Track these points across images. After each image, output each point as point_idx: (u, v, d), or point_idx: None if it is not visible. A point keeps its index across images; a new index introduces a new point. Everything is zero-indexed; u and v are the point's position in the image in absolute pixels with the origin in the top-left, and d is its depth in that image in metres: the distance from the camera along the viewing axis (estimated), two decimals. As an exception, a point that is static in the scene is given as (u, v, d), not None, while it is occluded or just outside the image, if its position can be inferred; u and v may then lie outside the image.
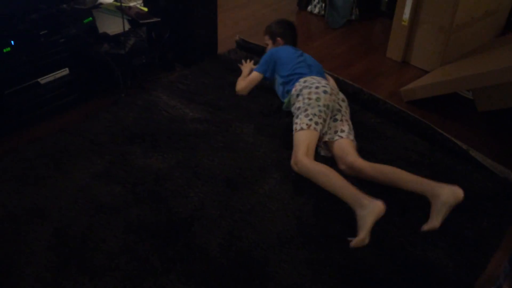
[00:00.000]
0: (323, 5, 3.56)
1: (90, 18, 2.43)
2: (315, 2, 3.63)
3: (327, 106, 2.16)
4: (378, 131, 2.37)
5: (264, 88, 2.66)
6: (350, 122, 2.23)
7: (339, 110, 2.22)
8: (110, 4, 2.63)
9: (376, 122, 2.43)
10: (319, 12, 3.63)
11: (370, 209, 1.70)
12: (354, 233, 1.77)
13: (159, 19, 2.60)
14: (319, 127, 2.10)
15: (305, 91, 2.21)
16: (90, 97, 2.53)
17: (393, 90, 2.78)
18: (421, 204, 1.92)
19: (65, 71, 2.33)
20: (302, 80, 2.30)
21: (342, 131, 2.15)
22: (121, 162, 2.07)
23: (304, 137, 2.07)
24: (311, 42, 3.33)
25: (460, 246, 1.76)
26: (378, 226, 1.82)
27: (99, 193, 1.90)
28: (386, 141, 2.29)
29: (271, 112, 2.46)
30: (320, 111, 2.13)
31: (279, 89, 2.49)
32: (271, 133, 2.31)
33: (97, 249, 1.67)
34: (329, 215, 1.87)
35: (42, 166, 2.03)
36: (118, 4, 2.59)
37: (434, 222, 1.71)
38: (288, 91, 2.36)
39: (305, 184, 2.01)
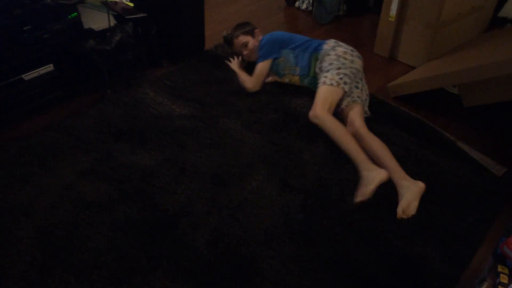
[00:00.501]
0: (311, 1, 3.56)
1: (75, 14, 2.39)
2: (302, -2, 3.63)
3: (357, 70, 2.32)
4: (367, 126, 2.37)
5: (251, 84, 2.65)
6: (368, 92, 2.41)
7: (361, 79, 2.37)
8: (95, -1, 2.60)
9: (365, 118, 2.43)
10: (306, 8, 3.62)
11: (376, 174, 1.92)
12: (343, 228, 1.78)
13: (146, 15, 2.58)
14: (347, 87, 2.24)
15: (340, 49, 2.36)
16: (75, 94, 2.50)
17: (380, 86, 2.78)
18: (407, 199, 1.93)
19: (49, 67, 2.29)
20: (332, 40, 2.46)
21: (359, 97, 2.30)
22: (107, 159, 2.05)
23: (329, 93, 2.21)
24: (299, 38, 3.33)
25: (446, 240, 1.77)
26: (366, 221, 1.83)
27: (85, 191, 1.88)
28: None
29: (259, 109, 2.46)
30: (351, 73, 2.27)
31: (300, 58, 2.48)
32: (258, 129, 2.30)
33: (83, 247, 1.65)
34: (317, 211, 1.87)
35: (27, 163, 2.00)
36: (104, -1, 2.56)
37: (402, 203, 1.87)
38: (318, 50, 2.43)
39: (292, 179, 2.01)
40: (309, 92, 2.57)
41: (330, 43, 2.45)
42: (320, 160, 2.14)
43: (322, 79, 2.28)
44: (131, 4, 2.70)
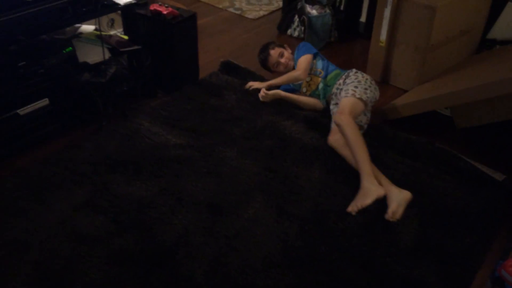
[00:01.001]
0: (302, 28, 3.62)
1: (70, 48, 2.43)
2: (294, 26, 3.68)
3: (374, 99, 2.51)
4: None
5: (246, 110, 2.67)
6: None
7: (369, 111, 2.55)
8: (90, 33, 2.64)
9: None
10: (298, 35, 3.68)
11: (375, 189, 2.00)
12: (341, 255, 1.77)
13: (140, 47, 2.62)
14: (367, 103, 2.43)
15: (366, 75, 2.56)
16: (71, 127, 2.51)
17: (373, 110, 2.80)
18: (406, 222, 1.94)
19: (45, 102, 2.32)
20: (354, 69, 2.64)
21: (363, 123, 2.48)
22: (103, 191, 2.05)
23: (358, 105, 2.36)
24: (292, 64, 3.37)
25: (445, 263, 1.77)
26: (364, 245, 1.82)
27: (81, 224, 1.87)
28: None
29: (254, 135, 2.47)
30: (372, 98, 2.46)
31: (326, 65, 2.71)
32: (254, 156, 2.31)
33: (79, 282, 1.64)
34: (315, 237, 1.86)
35: (22, 197, 2.00)
36: (98, 33, 2.60)
37: (391, 207, 1.95)
38: (342, 69, 2.67)
39: (289, 206, 2.01)
40: (304, 119, 2.60)
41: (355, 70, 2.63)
42: (317, 185, 2.14)
43: (350, 91, 2.40)
44: (126, 37, 2.75)
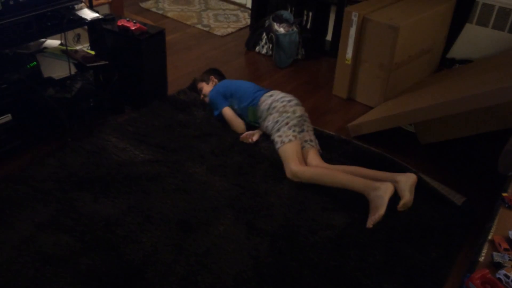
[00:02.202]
0: (270, 45, 3.67)
1: (35, 63, 2.37)
2: (262, 43, 3.73)
3: (302, 116, 2.44)
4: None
5: (215, 126, 2.67)
6: (313, 131, 2.52)
7: (305, 120, 2.49)
8: (55, 48, 2.59)
9: (328, 157, 2.48)
10: (266, 52, 3.73)
11: (384, 189, 1.99)
12: (311, 270, 1.78)
13: (107, 62, 2.58)
14: (300, 135, 2.38)
15: (278, 104, 2.46)
16: (35, 143, 2.44)
17: (340, 126, 2.87)
18: (374, 237, 1.97)
19: (7, 117, 2.24)
20: (267, 94, 2.57)
21: (311, 140, 2.44)
22: (69, 209, 1.99)
23: (293, 149, 2.30)
24: (260, 81, 3.40)
25: (413, 277, 1.80)
26: (334, 260, 1.84)
27: (45, 244, 1.81)
28: (337, 176, 2.34)
29: (223, 152, 2.47)
30: (298, 121, 2.40)
31: (241, 110, 2.67)
32: (223, 172, 2.30)
33: (43, 304, 1.57)
34: (285, 253, 1.87)
35: (-18, 217, 1.92)
36: (64, 47, 2.55)
37: (406, 197, 2.03)
38: (254, 105, 2.58)
39: (259, 222, 2.01)
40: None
41: (264, 98, 2.55)
42: (286, 201, 2.15)
43: (277, 139, 2.36)
44: (92, 52, 2.70)
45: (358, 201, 2.15)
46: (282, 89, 3.23)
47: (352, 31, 2.93)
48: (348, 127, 2.79)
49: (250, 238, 1.93)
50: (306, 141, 2.41)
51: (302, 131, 2.43)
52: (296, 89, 3.29)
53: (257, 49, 3.80)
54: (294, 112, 2.42)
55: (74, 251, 1.79)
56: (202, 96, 2.90)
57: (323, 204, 2.14)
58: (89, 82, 2.51)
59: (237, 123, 2.65)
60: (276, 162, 2.40)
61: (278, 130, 2.38)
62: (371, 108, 3.05)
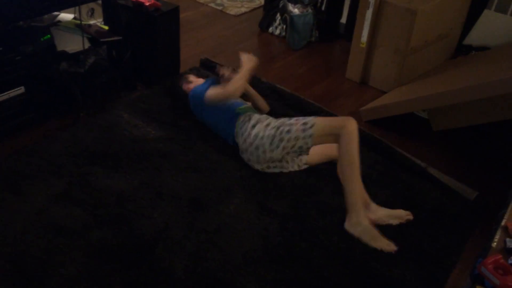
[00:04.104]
0: (284, 27, 3.63)
1: (48, 36, 2.36)
2: (276, 24, 3.69)
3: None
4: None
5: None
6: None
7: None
8: (69, 21, 2.58)
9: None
10: (280, 34, 3.69)
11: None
12: (321, 251, 1.78)
13: (120, 38, 2.57)
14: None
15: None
16: (47, 117, 2.44)
17: (353, 110, 2.85)
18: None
19: (20, 90, 2.24)
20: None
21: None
22: (81, 183, 2.00)
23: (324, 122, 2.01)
24: (273, 63, 3.38)
25: (422, 262, 1.80)
26: (343, 243, 1.84)
27: (58, 216, 1.82)
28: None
29: (235, 132, 2.46)
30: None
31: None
32: (234, 152, 2.30)
33: (56, 275, 1.59)
34: (295, 234, 1.87)
35: (-4, 188, 1.94)
36: (78, 22, 2.54)
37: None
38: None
39: (270, 202, 2.01)
40: (282, 115, 2.60)
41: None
42: (297, 183, 2.15)
43: (306, 121, 2.01)
44: (106, 27, 2.69)
45: (369, 187, 2.15)
46: (294, 72, 3.24)
47: (369, 13, 2.88)
48: (360, 112, 2.78)
49: (260, 218, 1.93)
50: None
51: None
52: (308, 72, 3.27)
53: (270, 30, 3.76)
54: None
55: (86, 224, 1.80)
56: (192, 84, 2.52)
57: (333, 188, 2.14)
58: (102, 58, 2.50)
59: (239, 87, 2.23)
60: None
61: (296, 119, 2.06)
62: (384, 93, 3.02)
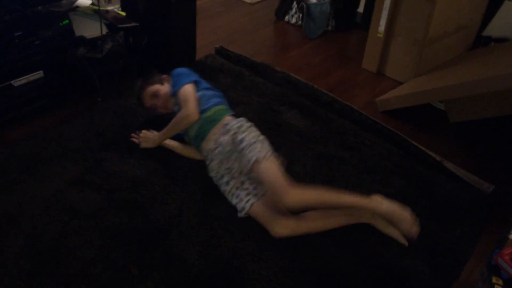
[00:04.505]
0: (300, 15, 3.60)
1: (67, 21, 2.38)
2: (292, 12, 3.67)
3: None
4: (356, 139, 2.39)
5: (241, 94, 2.66)
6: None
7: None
8: (87, 7, 2.59)
9: (354, 131, 2.46)
10: (296, 22, 3.67)
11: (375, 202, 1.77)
12: (333, 241, 1.78)
13: (137, 24, 2.58)
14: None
15: (250, 125, 1.99)
16: (64, 101, 2.47)
17: (368, 100, 2.82)
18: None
19: (39, 74, 2.27)
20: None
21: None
22: (97, 168, 2.03)
23: (275, 163, 1.79)
24: (288, 51, 3.37)
25: (435, 253, 1.79)
26: (356, 234, 1.84)
27: (74, 200, 1.85)
28: (363, 149, 2.32)
29: (249, 120, 2.45)
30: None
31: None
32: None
33: (71, 257, 1.62)
34: (308, 223, 1.87)
35: (14, 171, 1.97)
36: (96, 7, 2.55)
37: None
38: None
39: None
40: (299, 105, 2.60)
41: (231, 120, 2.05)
42: (311, 172, 2.15)
43: (253, 157, 1.78)
44: (123, 13, 2.70)
45: (384, 177, 2.14)
46: (309, 61, 3.22)
47: (387, 2, 2.84)
48: (377, 102, 2.75)
49: (273, 206, 1.94)
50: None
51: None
52: (324, 61, 3.25)
53: (286, 18, 3.74)
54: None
55: (102, 208, 1.83)
56: (159, 102, 2.18)
57: (347, 177, 2.14)
58: (118, 44, 2.51)
59: (192, 106, 2.02)
60: (301, 133, 2.39)
61: (251, 145, 1.84)
62: (401, 83, 2.99)
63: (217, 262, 1.67)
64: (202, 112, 2.04)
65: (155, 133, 2.17)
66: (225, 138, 1.95)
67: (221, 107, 2.10)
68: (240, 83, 2.81)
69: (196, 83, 2.17)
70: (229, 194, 1.91)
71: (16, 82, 2.19)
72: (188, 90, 2.08)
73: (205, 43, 3.26)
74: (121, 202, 1.87)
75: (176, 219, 1.82)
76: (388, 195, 2.03)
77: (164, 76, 2.28)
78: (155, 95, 2.19)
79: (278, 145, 2.28)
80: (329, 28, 3.62)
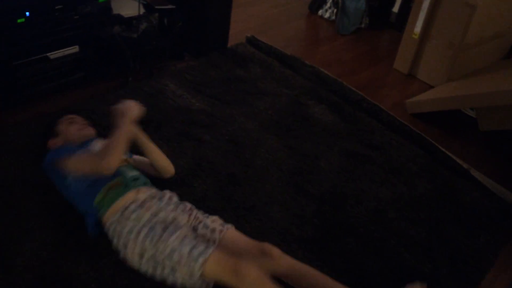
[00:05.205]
0: (335, 10, 3.57)
1: (106, -2, 2.40)
2: (326, 7, 3.63)
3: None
4: (383, 139, 2.38)
5: (271, 85, 2.66)
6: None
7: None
8: (126, -14, 2.61)
9: (382, 131, 2.44)
10: (329, 17, 3.64)
11: None
12: (356, 238, 1.78)
13: (174, 7, 2.58)
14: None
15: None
16: (97, 78, 2.50)
17: (397, 101, 2.80)
18: (422, 216, 1.95)
19: (75, 49, 2.29)
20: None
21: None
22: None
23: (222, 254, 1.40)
24: (319, 46, 3.35)
25: (457, 260, 1.78)
26: (378, 232, 1.83)
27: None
28: (389, 150, 2.31)
29: (277, 111, 2.46)
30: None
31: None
32: (275, 132, 2.31)
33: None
34: (330, 219, 1.87)
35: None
36: (134, -13, 2.56)
37: None
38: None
39: (307, 185, 2.01)
40: (327, 100, 2.59)
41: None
42: (335, 168, 2.14)
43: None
44: (161, -5, 2.71)
45: (406, 178, 2.13)
46: (340, 57, 3.20)
47: (426, 4, 2.80)
48: (406, 103, 2.72)
49: (296, 199, 1.94)
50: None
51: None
52: (355, 59, 3.22)
53: (320, 12, 3.71)
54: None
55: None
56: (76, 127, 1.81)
57: (371, 176, 2.13)
58: (153, 25, 2.52)
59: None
60: (328, 128, 2.38)
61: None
62: (432, 87, 2.95)
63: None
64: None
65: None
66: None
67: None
68: (270, 74, 2.80)
69: None
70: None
71: (52, 55, 2.22)
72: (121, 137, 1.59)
73: (236, 31, 3.25)
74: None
75: (200, 203, 1.83)
76: (412, 197, 2.03)
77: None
78: (70, 122, 1.82)
79: (303, 138, 2.29)
80: (362, 25, 3.59)
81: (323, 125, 2.42)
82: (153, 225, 1.47)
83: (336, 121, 2.46)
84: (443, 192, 2.11)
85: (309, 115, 2.47)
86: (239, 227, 1.75)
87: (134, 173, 1.69)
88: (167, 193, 1.67)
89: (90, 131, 1.85)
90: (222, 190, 1.92)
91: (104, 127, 2.13)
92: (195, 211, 1.64)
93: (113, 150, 1.53)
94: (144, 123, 2.18)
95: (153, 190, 1.66)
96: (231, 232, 1.60)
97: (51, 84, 2.29)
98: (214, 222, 1.61)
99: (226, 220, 1.77)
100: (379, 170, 2.17)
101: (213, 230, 1.57)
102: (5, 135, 2.01)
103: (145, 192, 1.62)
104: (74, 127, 1.80)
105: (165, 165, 1.82)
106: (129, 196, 1.57)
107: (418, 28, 2.90)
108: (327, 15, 3.65)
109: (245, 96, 2.54)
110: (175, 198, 1.67)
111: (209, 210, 1.80)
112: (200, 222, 1.60)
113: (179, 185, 1.89)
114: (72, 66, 2.33)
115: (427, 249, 1.81)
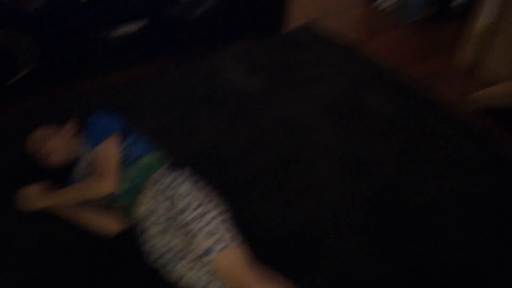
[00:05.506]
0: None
1: (170, -24, 2.43)
2: (386, -4, 3.55)
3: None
4: (441, 133, 2.30)
5: (328, 72, 2.62)
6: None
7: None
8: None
9: (439, 125, 2.36)
10: (389, 7, 3.54)
11: None
12: (411, 228, 1.75)
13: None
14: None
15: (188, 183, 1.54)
16: (156, 55, 2.54)
17: (457, 96, 2.70)
18: (485, 212, 1.87)
19: (139, 25, 2.34)
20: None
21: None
22: (182, 122, 2.11)
23: (239, 252, 1.41)
24: (377, 35, 3.27)
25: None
26: (433, 227, 1.78)
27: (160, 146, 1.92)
28: (448, 145, 2.22)
29: (333, 98, 2.43)
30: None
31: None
32: (331, 118, 2.27)
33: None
34: (384, 209, 1.83)
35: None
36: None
37: None
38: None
39: (362, 174, 1.98)
40: (389, 87, 2.52)
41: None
42: (393, 160, 2.08)
43: (219, 238, 1.39)
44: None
45: (465, 175, 2.05)
46: (399, 48, 3.11)
47: (494, -6, 2.68)
48: (467, 99, 2.62)
49: (351, 185, 1.91)
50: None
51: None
52: (413, 51, 3.13)
53: (379, 1, 3.61)
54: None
55: (185, 157, 1.91)
56: (46, 149, 1.62)
57: (429, 171, 2.06)
58: (215, 5, 2.53)
59: (109, 184, 1.48)
60: (384, 119, 2.33)
61: (210, 223, 1.41)
62: (495, 83, 2.82)
63: (290, 230, 1.70)
64: (134, 160, 1.58)
65: (44, 189, 1.56)
66: (161, 201, 1.52)
67: (149, 160, 1.62)
68: (323, 62, 2.76)
69: (121, 132, 1.64)
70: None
71: (117, 31, 2.27)
72: (111, 147, 1.54)
73: (295, 17, 3.22)
74: (204, 157, 1.95)
75: (252, 183, 1.86)
76: (471, 194, 1.96)
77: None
78: (44, 139, 1.63)
79: (359, 126, 2.25)
80: (424, 16, 3.47)
81: (378, 116, 2.36)
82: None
83: (391, 112, 2.40)
84: (505, 190, 2.02)
85: (364, 105, 2.42)
86: (292, 208, 1.77)
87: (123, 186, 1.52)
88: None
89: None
90: (273, 173, 1.92)
91: (160, 102, 2.17)
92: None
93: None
94: (199, 102, 2.23)
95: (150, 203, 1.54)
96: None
97: (116, 59, 2.35)
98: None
99: (278, 199, 1.78)
100: (437, 165, 2.10)
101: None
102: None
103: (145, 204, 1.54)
104: (58, 139, 1.63)
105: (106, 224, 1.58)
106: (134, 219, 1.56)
107: (485, 21, 2.77)
108: (386, 4, 3.56)
109: (300, 81, 2.52)
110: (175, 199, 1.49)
111: (262, 189, 1.82)
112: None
113: (232, 164, 1.91)
114: (134, 42, 2.38)
115: (486, 244, 1.74)
